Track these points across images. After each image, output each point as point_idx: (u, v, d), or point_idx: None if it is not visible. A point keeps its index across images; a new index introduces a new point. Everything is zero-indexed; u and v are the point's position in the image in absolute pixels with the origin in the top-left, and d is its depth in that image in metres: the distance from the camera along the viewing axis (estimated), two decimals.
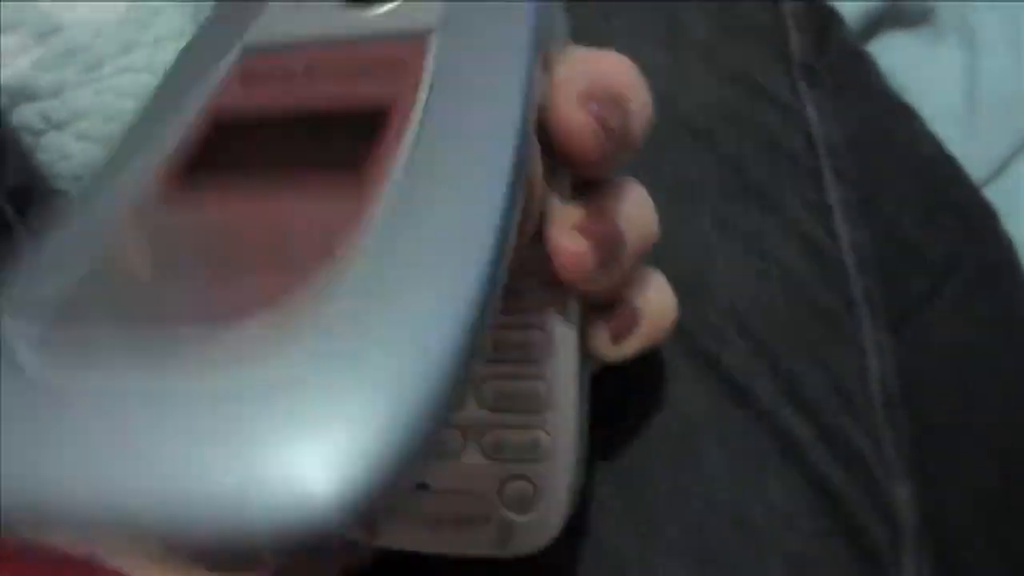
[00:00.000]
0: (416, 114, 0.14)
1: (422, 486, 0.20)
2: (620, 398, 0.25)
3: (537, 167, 0.17)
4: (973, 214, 0.34)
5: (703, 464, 0.24)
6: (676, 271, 0.22)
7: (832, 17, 0.35)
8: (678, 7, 0.30)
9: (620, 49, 0.19)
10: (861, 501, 0.25)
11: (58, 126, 0.37)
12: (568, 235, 0.18)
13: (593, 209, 0.19)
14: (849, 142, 0.31)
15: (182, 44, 0.41)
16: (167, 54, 0.38)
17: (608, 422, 0.24)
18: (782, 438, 0.25)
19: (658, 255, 0.22)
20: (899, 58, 0.44)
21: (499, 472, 0.20)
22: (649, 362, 0.25)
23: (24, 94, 0.36)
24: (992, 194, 0.43)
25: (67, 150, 0.37)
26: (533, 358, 0.20)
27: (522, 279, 0.19)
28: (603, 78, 0.18)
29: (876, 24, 0.44)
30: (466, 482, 0.20)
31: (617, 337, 0.20)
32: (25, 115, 0.37)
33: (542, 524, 0.20)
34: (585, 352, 0.21)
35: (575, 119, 0.17)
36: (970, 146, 0.43)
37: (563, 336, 0.20)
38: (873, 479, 0.26)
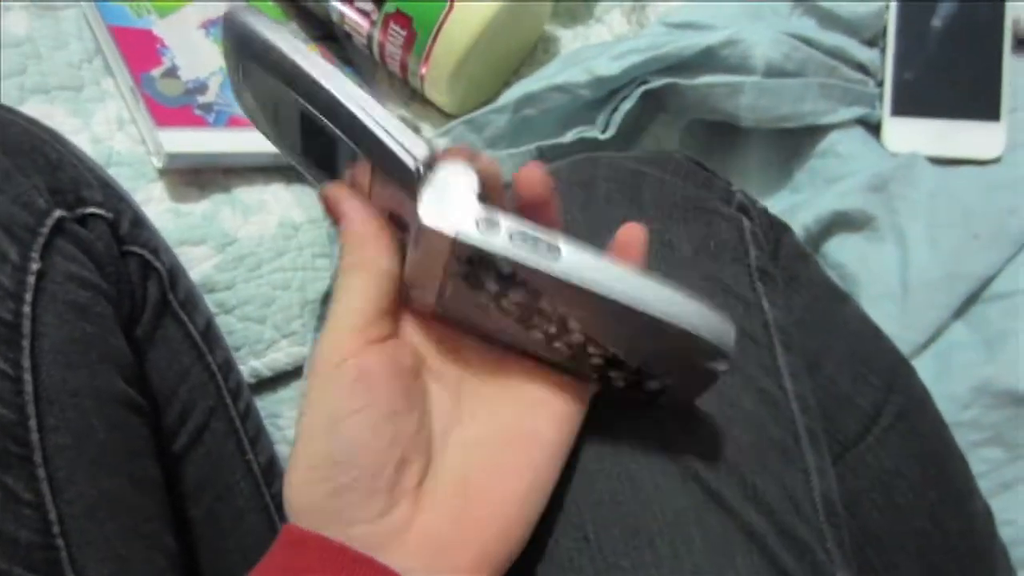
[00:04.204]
0: None
1: None
2: (622, 500, 0.35)
3: None
4: (894, 373, 0.45)
5: (691, 544, 0.34)
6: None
7: (783, 229, 0.47)
8: (669, 231, 0.42)
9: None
10: None
11: (228, 311, 0.49)
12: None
13: None
14: (796, 324, 0.43)
15: (319, 251, 0.54)
16: (307, 257, 0.51)
17: (615, 518, 0.34)
18: (746, 530, 0.35)
19: None
20: (849, 254, 0.57)
21: None
22: (648, 472, 0.36)
23: (206, 287, 0.49)
24: (928, 354, 0.55)
25: (231, 327, 0.49)
26: None
27: None
28: None
29: (830, 228, 0.57)
30: None
31: None
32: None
33: None
34: None
35: None
36: (906, 319, 0.55)
37: None
38: (817, 562, 0.36)
